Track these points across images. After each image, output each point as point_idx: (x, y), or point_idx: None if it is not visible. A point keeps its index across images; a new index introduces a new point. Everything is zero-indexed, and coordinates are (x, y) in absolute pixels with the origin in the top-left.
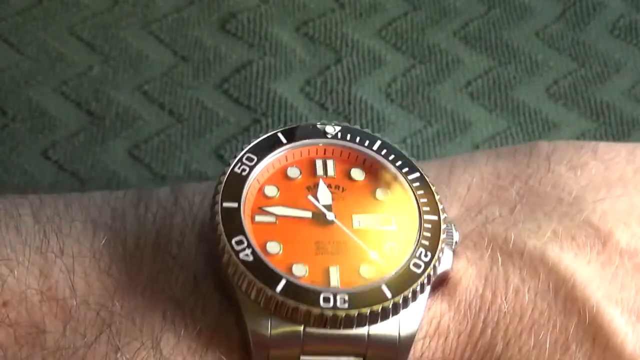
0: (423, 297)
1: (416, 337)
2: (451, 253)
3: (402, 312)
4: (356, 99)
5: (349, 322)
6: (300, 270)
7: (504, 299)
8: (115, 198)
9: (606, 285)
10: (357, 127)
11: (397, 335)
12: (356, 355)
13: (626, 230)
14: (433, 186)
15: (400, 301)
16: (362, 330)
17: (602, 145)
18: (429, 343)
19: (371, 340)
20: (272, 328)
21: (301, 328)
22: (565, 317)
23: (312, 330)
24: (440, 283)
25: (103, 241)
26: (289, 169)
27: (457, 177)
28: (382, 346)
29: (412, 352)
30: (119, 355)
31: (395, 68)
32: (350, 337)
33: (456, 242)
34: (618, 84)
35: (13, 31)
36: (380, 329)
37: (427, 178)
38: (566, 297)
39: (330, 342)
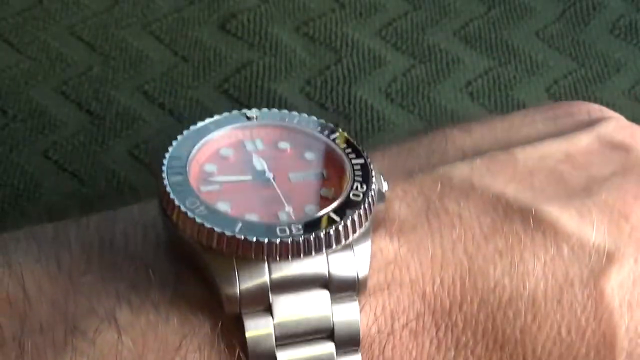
0: (368, 235)
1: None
2: (385, 184)
3: (355, 248)
4: (356, 99)
5: (307, 246)
6: (252, 218)
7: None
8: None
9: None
10: (275, 110)
11: (353, 252)
12: (320, 284)
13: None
14: (354, 139)
15: (349, 224)
16: (322, 257)
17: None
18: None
19: (330, 263)
20: (238, 267)
21: (265, 263)
22: (510, 224)
23: (275, 263)
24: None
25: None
26: (221, 149)
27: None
28: (342, 267)
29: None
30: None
31: (395, 68)
32: (311, 264)
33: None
34: (618, 84)
35: (13, 31)
36: (337, 255)
37: (347, 135)
38: (505, 209)
39: (294, 271)
